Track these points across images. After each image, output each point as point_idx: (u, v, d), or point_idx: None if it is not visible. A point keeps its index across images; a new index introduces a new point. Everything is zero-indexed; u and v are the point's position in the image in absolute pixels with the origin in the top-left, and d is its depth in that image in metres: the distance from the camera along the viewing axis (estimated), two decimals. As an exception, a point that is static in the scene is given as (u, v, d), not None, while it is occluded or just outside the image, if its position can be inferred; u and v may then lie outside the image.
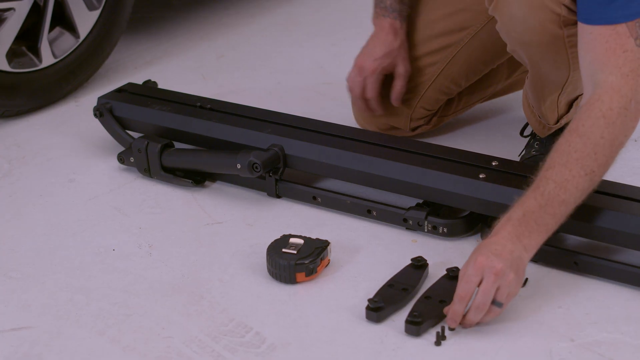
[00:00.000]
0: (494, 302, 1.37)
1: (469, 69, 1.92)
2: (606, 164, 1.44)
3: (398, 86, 1.91)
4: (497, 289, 1.36)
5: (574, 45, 1.53)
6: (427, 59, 1.91)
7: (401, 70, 1.89)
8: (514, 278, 1.36)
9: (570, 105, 1.79)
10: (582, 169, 1.41)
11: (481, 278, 1.36)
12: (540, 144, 1.84)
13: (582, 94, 1.74)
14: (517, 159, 1.87)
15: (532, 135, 1.89)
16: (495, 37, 1.73)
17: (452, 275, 1.50)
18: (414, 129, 2.01)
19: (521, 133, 1.94)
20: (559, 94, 1.74)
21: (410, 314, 1.42)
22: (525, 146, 1.88)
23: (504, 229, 1.40)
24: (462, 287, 1.37)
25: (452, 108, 2.04)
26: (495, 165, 1.66)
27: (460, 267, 1.57)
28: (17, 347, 1.42)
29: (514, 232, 1.39)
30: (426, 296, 1.47)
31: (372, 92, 1.90)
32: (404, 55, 1.89)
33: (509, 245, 1.38)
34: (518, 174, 1.62)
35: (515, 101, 2.19)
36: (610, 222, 1.50)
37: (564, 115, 1.79)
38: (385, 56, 1.88)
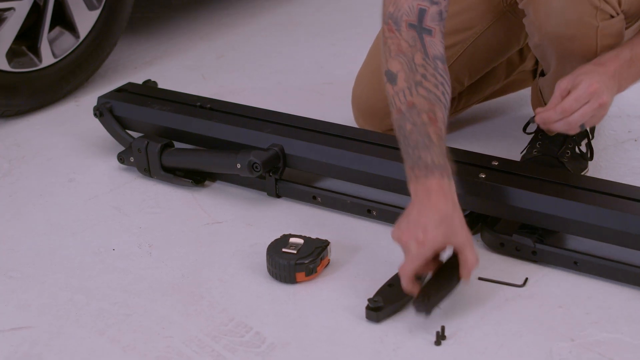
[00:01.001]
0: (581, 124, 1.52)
1: (472, 67, 1.92)
2: None
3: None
4: (592, 116, 1.50)
5: (605, 38, 1.57)
6: None
7: (466, 255, 1.42)
8: (606, 113, 1.52)
9: None
10: None
11: (588, 101, 1.48)
12: (543, 144, 1.83)
13: None
14: (518, 158, 1.87)
15: (536, 133, 1.88)
16: (501, 36, 1.73)
17: None
18: None
19: (524, 129, 1.94)
20: None
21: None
22: (528, 145, 1.88)
23: (613, 63, 1.51)
24: (570, 103, 1.49)
25: (453, 108, 2.04)
26: (495, 165, 1.66)
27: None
28: (17, 347, 1.42)
29: (619, 71, 1.51)
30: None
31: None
32: (463, 227, 1.42)
33: (612, 80, 1.50)
34: (518, 174, 1.62)
35: (515, 101, 2.19)
36: (610, 222, 1.50)
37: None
38: (448, 234, 1.40)
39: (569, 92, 1.54)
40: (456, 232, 1.40)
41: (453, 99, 2.03)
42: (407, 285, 1.41)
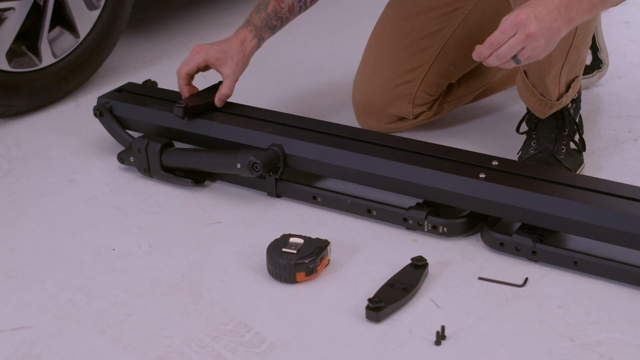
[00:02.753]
0: (514, 57, 1.49)
1: (466, 49, 1.93)
2: None
3: (221, 91, 1.90)
4: (523, 48, 1.47)
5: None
6: (424, 42, 1.95)
7: (225, 71, 1.88)
8: (542, 45, 1.47)
9: (569, 86, 1.82)
10: None
11: (515, 33, 1.47)
12: (538, 143, 1.84)
13: (578, 75, 1.83)
14: (516, 158, 1.87)
15: (529, 133, 1.89)
16: (489, 15, 1.75)
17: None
18: (416, 116, 2.02)
19: (517, 129, 1.94)
20: (563, 63, 1.76)
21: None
22: (523, 145, 1.89)
23: None
24: (496, 36, 1.49)
25: (453, 94, 2.06)
26: (495, 165, 1.66)
27: (460, 267, 1.58)
28: (17, 347, 1.42)
29: (566, 2, 1.47)
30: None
31: (183, 67, 1.90)
32: (235, 62, 1.88)
33: (554, 12, 1.46)
34: (518, 174, 1.62)
35: (515, 101, 2.19)
36: (610, 222, 1.50)
37: (564, 94, 1.82)
38: (217, 50, 1.88)
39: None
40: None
41: (453, 85, 2.05)
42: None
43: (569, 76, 1.80)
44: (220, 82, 1.96)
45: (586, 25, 1.73)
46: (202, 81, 2.48)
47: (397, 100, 2.00)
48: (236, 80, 1.90)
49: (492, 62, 1.52)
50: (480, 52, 1.53)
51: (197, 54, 1.88)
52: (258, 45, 1.92)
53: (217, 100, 1.91)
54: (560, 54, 1.74)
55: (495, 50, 1.50)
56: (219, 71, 1.90)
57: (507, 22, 1.49)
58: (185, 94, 1.92)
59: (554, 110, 1.83)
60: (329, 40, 2.75)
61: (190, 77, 1.92)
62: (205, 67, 1.91)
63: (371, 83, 2.01)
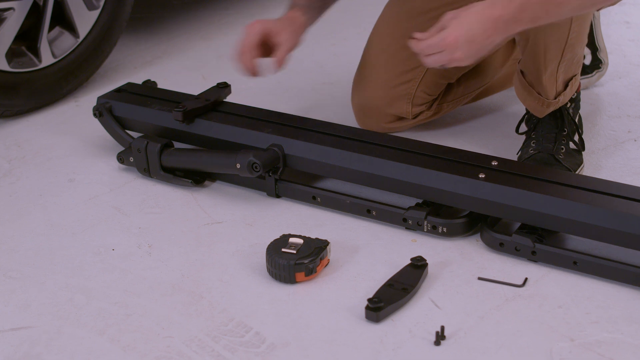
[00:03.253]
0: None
1: None
2: None
3: (280, 51, 1.85)
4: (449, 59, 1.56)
5: None
6: None
7: (283, 37, 1.85)
8: (468, 61, 1.56)
9: (566, 85, 1.82)
10: None
11: (442, 51, 1.55)
12: (537, 143, 1.84)
13: (576, 74, 1.83)
14: (515, 158, 1.87)
15: (528, 133, 1.89)
16: None
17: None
18: (415, 116, 2.02)
19: (516, 130, 1.94)
20: (559, 61, 1.76)
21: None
22: (522, 146, 1.89)
23: (503, 8, 1.51)
24: (424, 47, 1.58)
25: (452, 94, 2.06)
26: (495, 165, 1.66)
27: (460, 267, 1.58)
28: (17, 347, 1.42)
29: (506, 17, 1.51)
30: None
31: (245, 42, 1.84)
32: (294, 30, 1.87)
33: (490, 29, 1.52)
34: (518, 174, 1.62)
35: (514, 101, 2.19)
36: (610, 222, 1.50)
37: (562, 92, 1.82)
38: (271, 22, 1.86)
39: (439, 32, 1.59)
40: None
41: (452, 85, 2.04)
42: None
43: (566, 74, 1.81)
44: (219, 83, 1.97)
45: (580, 22, 1.73)
46: (202, 81, 2.48)
47: (396, 100, 2.00)
48: (291, 49, 1.87)
49: (421, 60, 1.62)
50: (412, 45, 1.62)
51: (252, 27, 1.84)
52: (307, 24, 1.91)
53: (277, 62, 1.85)
54: (555, 52, 1.74)
55: (423, 56, 1.60)
56: (274, 42, 1.86)
57: (437, 39, 1.56)
58: (250, 69, 1.86)
59: (552, 109, 1.84)
60: (329, 39, 2.75)
61: (255, 50, 1.85)
62: (262, 43, 1.86)
63: (370, 83, 2.01)
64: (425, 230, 1.67)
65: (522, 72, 1.83)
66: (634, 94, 2.28)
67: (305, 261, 1.53)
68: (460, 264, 1.59)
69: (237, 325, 1.45)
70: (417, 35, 1.63)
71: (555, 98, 1.82)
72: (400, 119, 2.04)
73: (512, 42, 2.05)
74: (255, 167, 1.74)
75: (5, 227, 1.78)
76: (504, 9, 1.53)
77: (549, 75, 1.78)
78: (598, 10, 1.74)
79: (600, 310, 1.46)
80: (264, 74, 1.89)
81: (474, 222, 1.67)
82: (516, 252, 1.59)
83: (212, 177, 1.91)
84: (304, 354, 1.38)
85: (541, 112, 1.85)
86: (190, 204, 1.84)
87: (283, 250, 1.55)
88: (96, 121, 2.05)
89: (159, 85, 2.17)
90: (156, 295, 1.54)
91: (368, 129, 2.01)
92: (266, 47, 1.87)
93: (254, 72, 1.87)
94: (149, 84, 2.13)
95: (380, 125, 2.04)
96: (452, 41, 1.54)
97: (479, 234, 1.66)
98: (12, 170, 2.01)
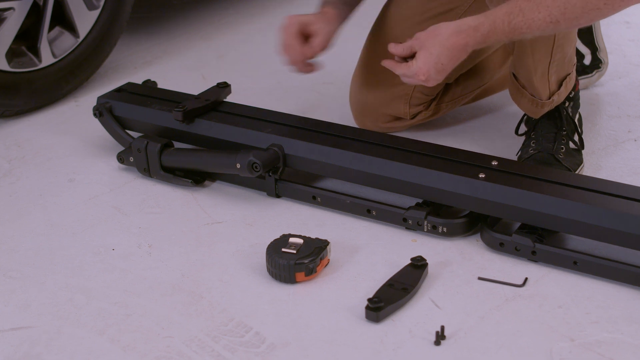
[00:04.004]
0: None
1: None
2: (574, 20, 1.54)
3: (316, 43, 1.88)
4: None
5: None
6: None
7: (321, 29, 1.88)
8: (438, 83, 1.66)
9: (560, 84, 1.83)
10: (549, 17, 1.54)
11: (412, 78, 1.66)
12: (537, 143, 1.84)
13: (570, 73, 1.83)
14: (515, 158, 1.87)
15: (528, 133, 1.89)
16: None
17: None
18: (413, 116, 2.02)
19: (516, 131, 1.94)
20: (549, 62, 1.77)
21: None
22: (522, 146, 1.89)
23: (468, 37, 1.59)
24: (404, 72, 1.67)
25: (450, 94, 2.06)
26: (495, 165, 1.66)
27: (460, 267, 1.58)
28: (17, 347, 1.42)
29: (471, 44, 1.60)
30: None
31: (288, 37, 1.87)
32: (328, 20, 1.90)
33: (458, 55, 1.61)
34: (518, 174, 1.62)
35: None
36: (610, 222, 1.50)
37: (555, 92, 1.82)
38: (304, 15, 1.89)
39: (411, 52, 1.66)
40: None
41: (450, 85, 2.05)
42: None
43: (559, 74, 1.81)
44: (219, 83, 1.97)
45: None
46: (201, 81, 2.48)
47: (393, 100, 2.00)
48: (328, 39, 1.90)
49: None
50: (385, 63, 1.73)
51: (291, 19, 1.87)
52: (340, 18, 1.93)
53: (312, 54, 1.89)
54: (544, 53, 1.75)
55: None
56: (311, 31, 1.88)
57: (410, 71, 1.65)
58: (299, 62, 1.90)
59: (546, 110, 1.84)
60: (329, 40, 2.75)
61: (297, 40, 1.88)
62: (299, 34, 1.89)
63: (367, 83, 2.01)
64: (425, 230, 1.67)
65: (514, 75, 1.83)
66: (634, 94, 2.28)
67: (305, 261, 1.53)
68: (460, 264, 1.59)
69: (237, 325, 1.45)
70: (391, 48, 1.69)
71: (549, 98, 1.82)
72: (398, 119, 2.04)
73: (512, 43, 2.05)
74: (255, 167, 1.74)
75: (5, 227, 1.78)
76: (469, 37, 1.60)
77: (540, 76, 1.78)
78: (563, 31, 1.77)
79: (600, 310, 1.46)
80: (313, 66, 1.92)
81: (474, 222, 1.67)
82: (516, 252, 1.59)
83: (212, 177, 1.91)
84: (304, 354, 1.38)
85: (536, 113, 1.85)
86: (190, 204, 1.84)
87: (283, 250, 1.55)
88: (96, 121, 2.05)
89: (159, 85, 2.17)
90: (156, 295, 1.54)
91: (366, 128, 2.01)
92: (305, 40, 1.90)
93: (304, 66, 1.91)
94: (149, 84, 2.13)
95: (378, 125, 2.04)
96: (424, 76, 1.64)
97: (479, 234, 1.66)
98: (12, 170, 2.01)
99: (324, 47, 1.90)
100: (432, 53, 1.61)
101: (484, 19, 1.59)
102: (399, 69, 1.69)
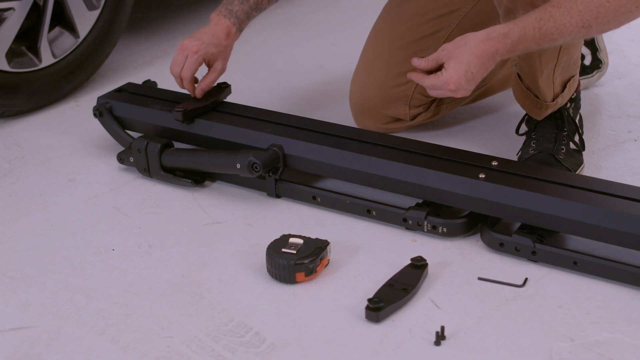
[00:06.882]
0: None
1: None
2: (605, 24, 1.53)
3: (208, 80, 1.90)
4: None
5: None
6: (421, 44, 1.95)
7: (218, 66, 1.90)
8: (468, 94, 1.62)
9: (564, 86, 1.82)
10: (581, 21, 1.52)
11: (442, 91, 1.61)
12: (537, 143, 1.84)
13: (574, 75, 1.83)
14: (516, 158, 1.87)
15: (528, 134, 1.89)
16: (485, 17, 1.75)
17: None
18: (413, 118, 2.02)
19: (517, 131, 1.95)
20: (555, 64, 1.76)
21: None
22: (522, 146, 1.89)
23: (498, 44, 1.56)
24: (433, 84, 1.60)
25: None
26: (495, 165, 1.66)
27: (460, 267, 1.58)
28: (17, 347, 1.42)
29: (502, 52, 1.56)
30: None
31: (187, 71, 1.88)
32: (226, 56, 1.91)
33: (487, 63, 1.57)
34: (518, 174, 1.62)
35: (514, 101, 2.19)
36: (610, 222, 1.50)
37: (559, 94, 1.82)
38: (211, 45, 1.88)
39: (437, 64, 1.62)
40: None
41: None
42: None
43: (563, 76, 1.81)
44: (219, 83, 1.97)
45: None
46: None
47: (393, 101, 2.00)
48: (221, 74, 1.92)
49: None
50: (412, 77, 1.67)
51: (194, 54, 1.87)
52: (237, 37, 1.94)
53: (199, 91, 1.91)
54: (550, 56, 1.74)
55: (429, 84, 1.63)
56: (211, 66, 1.90)
57: (439, 82, 1.59)
58: (195, 93, 1.92)
59: (549, 112, 1.84)
60: (329, 39, 2.75)
61: (193, 77, 1.91)
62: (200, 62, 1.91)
63: (368, 84, 2.01)
64: (425, 230, 1.67)
65: (519, 75, 1.83)
66: (634, 94, 2.28)
67: (305, 261, 1.53)
68: (460, 264, 1.59)
69: (237, 325, 1.45)
70: (415, 62, 1.64)
71: (553, 100, 1.82)
72: (398, 120, 2.04)
73: None
74: (255, 167, 1.74)
75: (5, 227, 1.78)
76: (499, 44, 1.56)
77: (546, 78, 1.78)
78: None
79: (600, 310, 1.46)
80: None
81: (474, 222, 1.66)
82: (516, 252, 1.59)
83: (212, 177, 1.91)
84: (304, 354, 1.38)
85: (538, 115, 1.85)
86: (190, 204, 1.84)
87: (283, 250, 1.55)
88: (96, 121, 2.05)
89: (159, 85, 2.17)
90: (156, 295, 1.54)
91: (366, 129, 2.01)
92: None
93: (190, 86, 1.92)
94: (149, 84, 2.13)
95: (377, 125, 2.04)
96: (454, 86, 1.58)
97: (479, 234, 1.66)
98: (12, 170, 2.01)
99: (215, 81, 1.92)
100: (462, 61, 1.57)
101: (514, 25, 1.56)
102: (427, 80, 1.62)
